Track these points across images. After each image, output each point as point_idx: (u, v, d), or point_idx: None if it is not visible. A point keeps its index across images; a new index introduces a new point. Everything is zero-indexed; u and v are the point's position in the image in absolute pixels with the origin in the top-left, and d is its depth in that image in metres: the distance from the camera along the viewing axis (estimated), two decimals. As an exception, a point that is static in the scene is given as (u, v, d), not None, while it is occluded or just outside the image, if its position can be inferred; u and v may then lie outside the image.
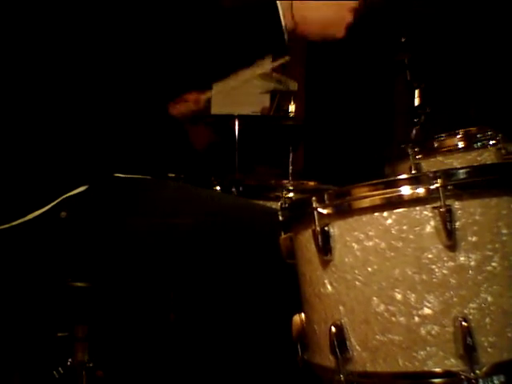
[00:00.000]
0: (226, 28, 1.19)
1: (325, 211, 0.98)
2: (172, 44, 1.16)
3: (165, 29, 1.15)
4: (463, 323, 0.89)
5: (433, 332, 0.91)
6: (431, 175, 0.91)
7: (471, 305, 0.90)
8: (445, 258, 0.91)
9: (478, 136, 1.39)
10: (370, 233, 0.94)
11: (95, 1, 1.16)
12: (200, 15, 1.18)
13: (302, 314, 1.09)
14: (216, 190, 1.73)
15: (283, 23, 1.19)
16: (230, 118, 2.36)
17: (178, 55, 1.17)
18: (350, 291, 0.96)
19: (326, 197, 0.98)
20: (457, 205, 0.91)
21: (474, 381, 0.88)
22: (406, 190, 0.93)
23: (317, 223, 0.98)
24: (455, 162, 1.41)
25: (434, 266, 0.91)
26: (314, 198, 0.99)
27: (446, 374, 0.90)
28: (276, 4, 1.19)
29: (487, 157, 1.36)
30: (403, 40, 1.37)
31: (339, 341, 0.96)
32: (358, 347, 0.96)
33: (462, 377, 0.89)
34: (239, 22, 1.20)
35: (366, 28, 1.28)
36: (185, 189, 1.34)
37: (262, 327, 1.24)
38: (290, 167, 2.35)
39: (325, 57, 2.86)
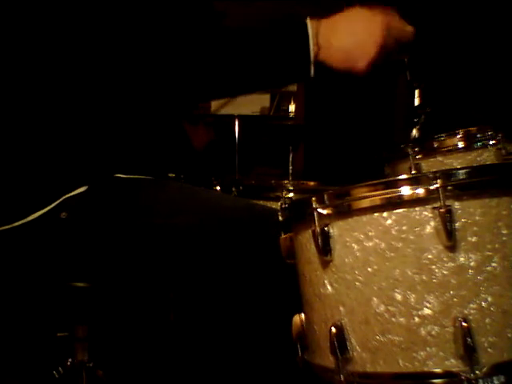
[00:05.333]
0: (247, 50, 1.17)
1: (325, 211, 0.98)
2: (177, 51, 1.15)
3: (171, 36, 1.15)
4: (463, 323, 0.89)
5: (433, 332, 0.91)
6: (431, 176, 0.91)
7: (471, 305, 0.90)
8: (445, 259, 0.91)
9: (478, 136, 1.39)
10: (370, 233, 0.94)
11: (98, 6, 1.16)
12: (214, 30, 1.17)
13: (302, 315, 1.09)
14: (216, 190, 1.73)
15: (311, 50, 1.15)
16: (230, 118, 2.36)
17: (183, 62, 1.16)
18: (350, 292, 0.96)
19: (325, 197, 0.98)
20: (457, 205, 0.91)
21: (474, 381, 0.88)
22: (405, 191, 0.92)
23: (317, 224, 0.98)
24: (455, 162, 1.41)
25: (433, 267, 0.91)
26: (313, 199, 0.99)
27: (446, 375, 0.90)
28: (306, 28, 1.15)
29: (487, 157, 1.36)
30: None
31: (339, 341, 0.96)
32: (358, 348, 0.96)
33: (462, 377, 0.89)
34: (262, 45, 1.17)
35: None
36: (185, 189, 1.34)
37: (262, 327, 1.24)
38: (290, 167, 2.35)
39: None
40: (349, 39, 1.17)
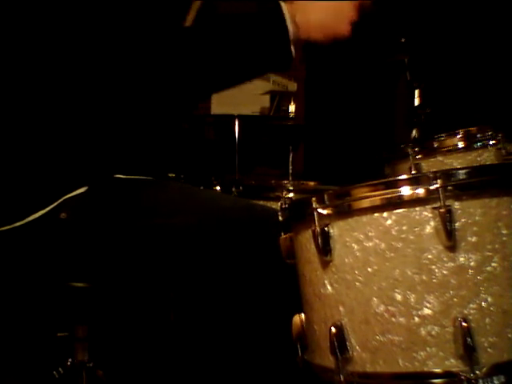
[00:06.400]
0: (228, 36, 1.18)
1: (325, 212, 0.98)
2: (172, 50, 1.15)
3: (164, 35, 1.15)
4: (463, 323, 0.89)
5: (433, 332, 0.91)
6: (431, 176, 0.91)
7: (471, 305, 0.90)
8: (445, 259, 0.91)
9: (478, 136, 1.39)
10: (370, 233, 0.94)
11: (97, 1, 1.16)
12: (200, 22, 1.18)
13: (302, 315, 1.09)
14: (216, 189, 1.73)
15: (290, 31, 1.17)
16: (230, 118, 2.36)
17: (178, 61, 1.16)
18: (349, 292, 0.96)
19: (325, 197, 0.98)
20: (457, 205, 0.91)
21: (474, 381, 0.88)
22: (405, 191, 0.93)
23: (317, 224, 0.98)
24: (455, 162, 1.41)
25: (433, 267, 0.91)
26: (313, 199, 0.99)
27: (446, 375, 0.90)
28: (281, 9, 1.18)
29: (487, 157, 1.36)
30: (403, 40, 1.37)
31: (339, 341, 0.96)
32: (357, 348, 0.96)
33: (462, 377, 0.89)
34: (241, 30, 1.19)
35: (365, 28, 1.28)
36: (185, 189, 1.34)
37: (262, 327, 1.24)
38: (290, 167, 2.35)
39: (325, 57, 2.86)
40: (323, 9, 1.21)
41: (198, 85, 1.22)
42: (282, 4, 1.19)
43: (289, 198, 1.62)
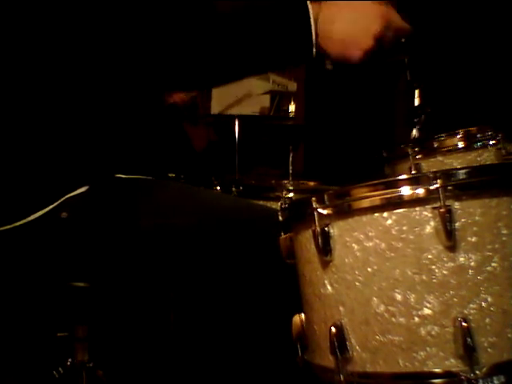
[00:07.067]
0: (248, 27, 1.16)
1: (325, 212, 0.98)
2: (176, 46, 1.15)
3: (169, 31, 1.15)
4: (463, 323, 0.89)
5: (433, 332, 0.91)
6: (431, 175, 0.91)
7: (471, 305, 0.90)
8: (445, 259, 0.91)
9: (478, 136, 1.39)
10: (370, 233, 0.94)
11: (94, 2, 1.16)
12: (208, 18, 1.17)
13: (302, 315, 1.09)
14: (216, 189, 1.73)
15: (313, 30, 1.15)
16: (230, 118, 2.37)
17: (180, 58, 1.16)
18: (350, 292, 0.96)
19: (325, 197, 0.98)
20: (457, 205, 0.91)
21: (474, 381, 0.88)
22: (405, 191, 0.93)
23: (317, 224, 0.98)
24: (455, 162, 1.41)
25: (433, 267, 0.91)
26: (313, 199, 0.99)
27: (446, 375, 0.90)
28: (307, 7, 1.15)
29: (487, 157, 1.36)
30: (403, 40, 1.37)
31: (339, 341, 0.96)
32: (357, 348, 0.96)
33: (462, 377, 0.89)
34: (263, 22, 1.17)
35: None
36: (185, 189, 1.34)
37: (262, 327, 1.24)
38: (290, 167, 2.35)
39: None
40: (347, 28, 1.16)
41: (213, 75, 1.21)
42: (309, 6, 1.15)
43: (289, 197, 1.63)
